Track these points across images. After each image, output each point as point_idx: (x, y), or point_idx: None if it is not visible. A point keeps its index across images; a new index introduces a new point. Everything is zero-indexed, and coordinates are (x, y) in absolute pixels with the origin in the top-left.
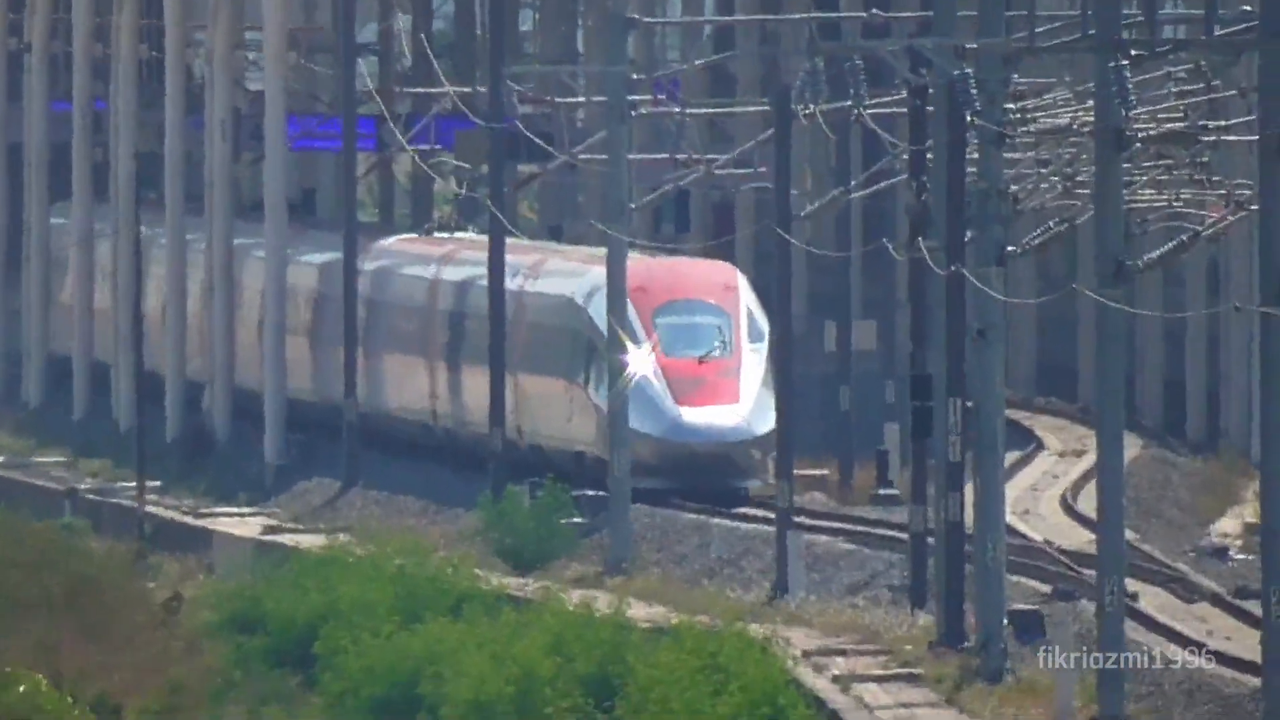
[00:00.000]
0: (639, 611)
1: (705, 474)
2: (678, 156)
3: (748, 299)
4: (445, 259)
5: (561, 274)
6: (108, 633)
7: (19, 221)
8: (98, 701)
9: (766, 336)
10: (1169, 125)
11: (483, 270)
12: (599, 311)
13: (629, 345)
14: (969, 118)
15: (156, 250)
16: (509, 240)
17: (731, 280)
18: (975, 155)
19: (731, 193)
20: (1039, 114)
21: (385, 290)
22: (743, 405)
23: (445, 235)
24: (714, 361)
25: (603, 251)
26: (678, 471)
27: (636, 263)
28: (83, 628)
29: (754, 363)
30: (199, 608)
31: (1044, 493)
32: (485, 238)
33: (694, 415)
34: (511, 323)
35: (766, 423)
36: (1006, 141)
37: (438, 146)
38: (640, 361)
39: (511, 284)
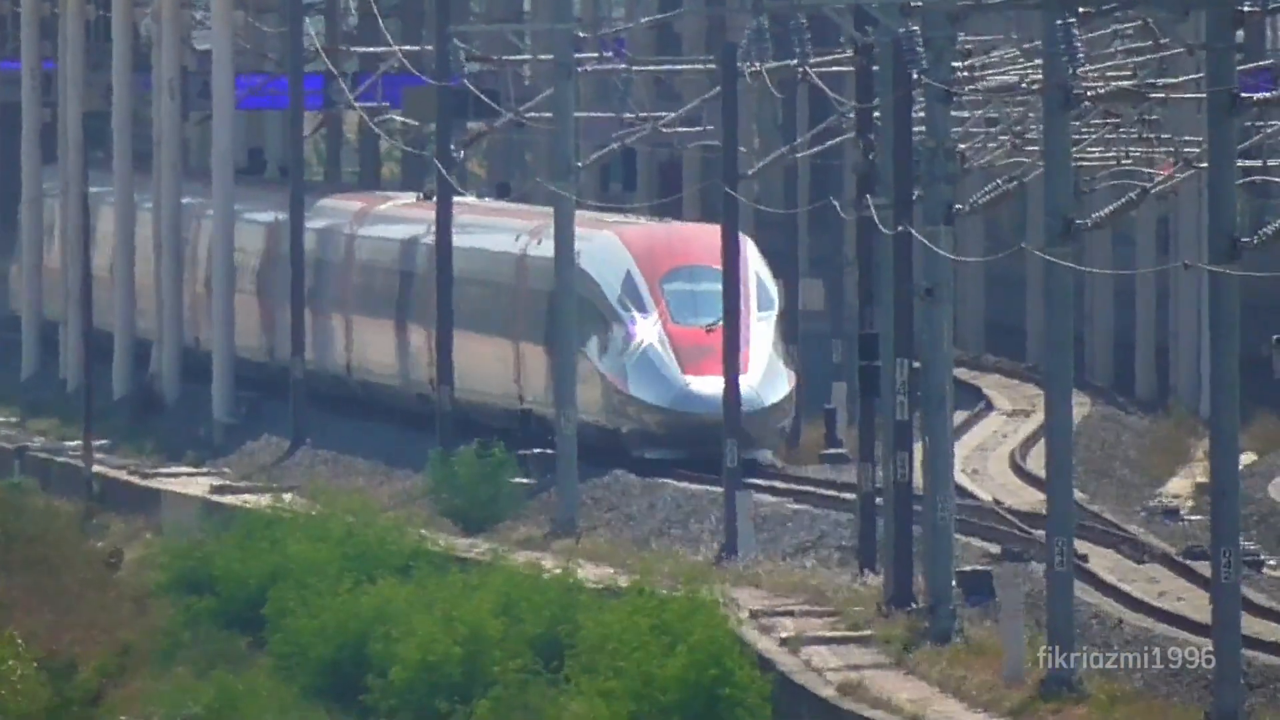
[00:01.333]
0: (587, 572)
1: (714, 445)
2: (624, 115)
3: (756, 265)
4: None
5: None
6: (55, 593)
7: None
8: (47, 661)
9: (776, 304)
10: (1117, 83)
11: (469, 235)
12: (605, 278)
13: (635, 313)
14: (915, 76)
15: (105, 209)
16: (513, 204)
17: (740, 246)
18: (922, 113)
19: (679, 151)
20: (986, 72)
21: (382, 255)
22: (752, 374)
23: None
24: (721, 329)
25: (608, 217)
26: (685, 442)
27: (642, 227)
28: (31, 588)
29: (763, 331)
30: (147, 567)
31: (992, 452)
32: (487, 202)
33: (702, 385)
34: (514, 289)
35: (776, 392)
36: (954, 99)
37: (385, 104)
38: (646, 329)
39: (514, 248)
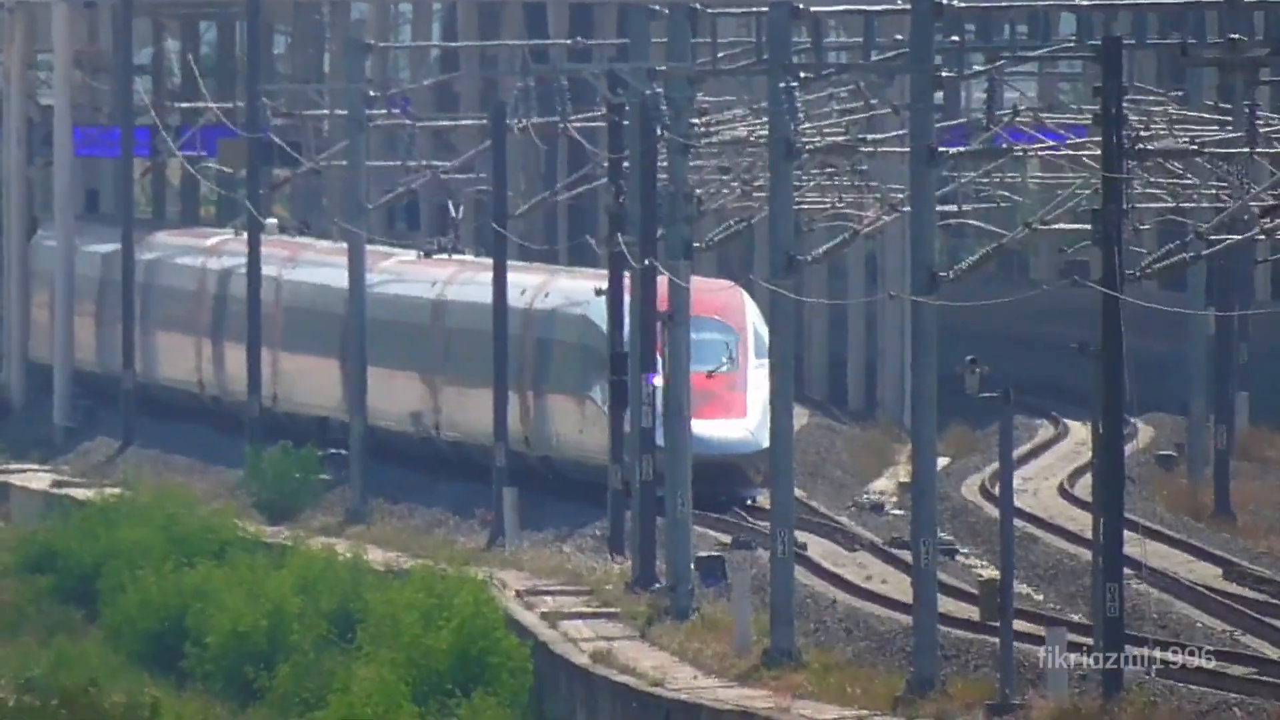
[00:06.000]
0: (375, 556)
1: (713, 484)
2: (409, 163)
3: (753, 317)
4: (449, 280)
5: (571, 292)
6: None
7: None
8: None
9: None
10: (833, 138)
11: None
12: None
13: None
14: (659, 131)
15: None
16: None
17: (738, 300)
18: (665, 163)
19: (456, 195)
20: (720, 127)
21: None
22: (750, 419)
23: (444, 256)
24: (722, 376)
25: (597, 270)
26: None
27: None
28: None
29: (760, 378)
30: None
31: None
32: (486, 260)
33: (703, 427)
34: (519, 339)
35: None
36: (691, 151)
37: (203, 153)
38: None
39: (520, 301)
